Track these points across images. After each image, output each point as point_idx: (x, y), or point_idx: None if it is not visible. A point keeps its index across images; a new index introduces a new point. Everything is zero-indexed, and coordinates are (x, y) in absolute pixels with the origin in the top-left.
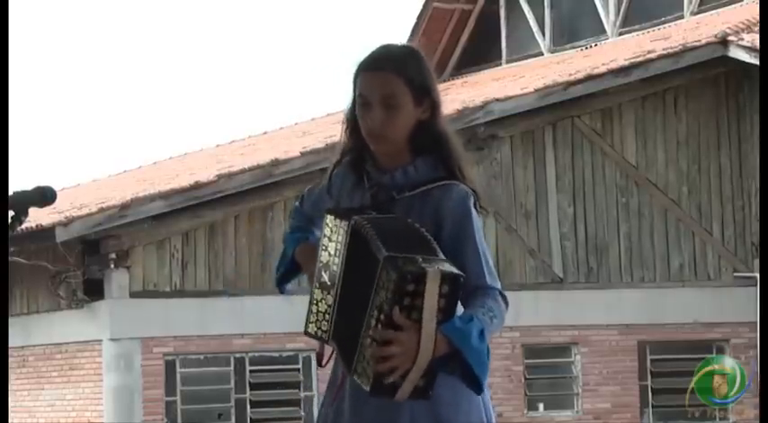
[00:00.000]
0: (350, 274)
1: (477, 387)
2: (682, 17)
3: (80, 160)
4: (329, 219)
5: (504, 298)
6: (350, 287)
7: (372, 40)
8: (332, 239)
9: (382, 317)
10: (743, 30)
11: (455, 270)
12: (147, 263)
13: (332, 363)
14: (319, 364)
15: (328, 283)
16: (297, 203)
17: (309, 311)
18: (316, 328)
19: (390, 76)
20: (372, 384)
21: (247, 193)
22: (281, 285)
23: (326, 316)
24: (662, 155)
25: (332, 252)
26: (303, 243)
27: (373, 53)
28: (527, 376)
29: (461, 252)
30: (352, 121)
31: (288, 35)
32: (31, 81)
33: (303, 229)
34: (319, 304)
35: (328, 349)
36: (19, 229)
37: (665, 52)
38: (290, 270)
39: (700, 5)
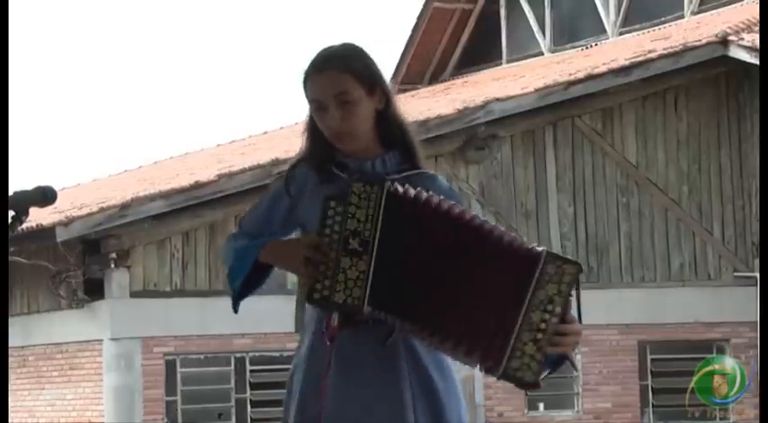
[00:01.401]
0: (390, 238)
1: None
2: (682, 17)
3: (80, 160)
4: (356, 186)
5: None
6: (392, 251)
7: (372, 40)
8: (360, 206)
9: (558, 309)
10: (743, 29)
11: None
12: (147, 262)
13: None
14: (331, 339)
15: (359, 249)
16: (233, 233)
17: (335, 281)
18: (345, 296)
19: (337, 74)
20: (536, 379)
21: (248, 192)
22: (238, 302)
23: (359, 282)
24: (662, 154)
25: (361, 218)
26: (271, 241)
27: (315, 57)
28: None
29: None
30: (313, 127)
31: (288, 35)
32: (31, 81)
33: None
34: (348, 272)
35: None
36: (19, 228)
37: (665, 52)
38: (251, 280)
39: (700, 5)
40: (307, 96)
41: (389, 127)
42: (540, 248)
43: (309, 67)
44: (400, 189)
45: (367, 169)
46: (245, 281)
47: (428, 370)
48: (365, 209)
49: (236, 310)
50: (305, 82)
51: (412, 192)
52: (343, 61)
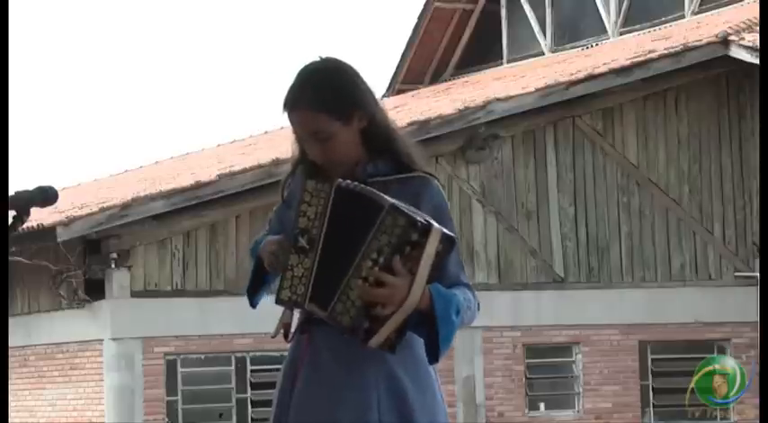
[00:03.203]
0: (334, 234)
1: (435, 358)
2: (683, 17)
3: (81, 160)
4: (310, 184)
5: (475, 295)
6: (333, 247)
7: (373, 40)
8: (311, 204)
9: (381, 260)
10: (744, 29)
11: (452, 233)
12: (148, 262)
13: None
14: (285, 337)
15: (306, 247)
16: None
17: (283, 278)
18: (290, 294)
19: (308, 113)
20: (352, 324)
21: (248, 192)
22: (252, 300)
23: (303, 279)
24: (663, 155)
25: (311, 216)
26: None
27: (289, 89)
28: (528, 376)
29: None
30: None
31: (289, 35)
32: (31, 81)
33: None
34: (295, 269)
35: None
36: (20, 228)
37: (666, 52)
38: (257, 278)
39: (700, 5)
40: None
41: (375, 141)
42: (391, 201)
43: (284, 101)
44: (351, 187)
45: (357, 175)
46: (254, 278)
47: (396, 372)
48: (315, 207)
49: (253, 305)
50: (283, 110)
51: (360, 189)
52: (313, 98)
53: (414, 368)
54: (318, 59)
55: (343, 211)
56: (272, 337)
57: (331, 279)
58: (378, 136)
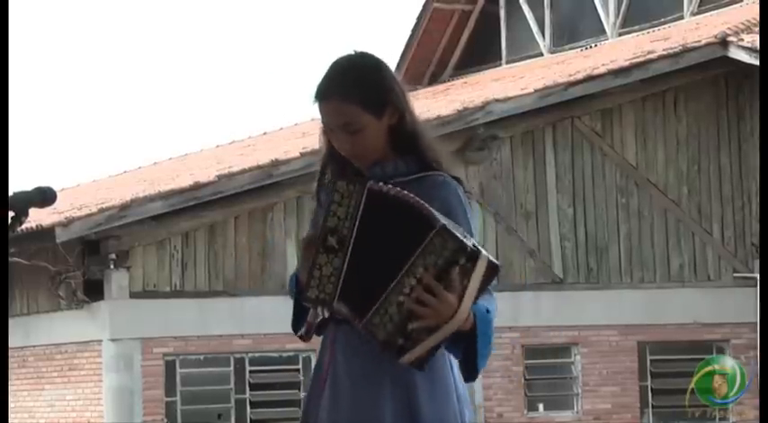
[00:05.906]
0: (366, 236)
1: (473, 376)
2: (681, 17)
3: (80, 160)
4: (340, 184)
5: (494, 296)
6: (366, 249)
7: (372, 40)
8: (342, 204)
9: (425, 278)
10: (743, 30)
11: (497, 262)
12: (146, 263)
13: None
14: (308, 333)
15: (336, 247)
16: None
17: (311, 277)
18: (317, 292)
19: (341, 105)
20: (386, 339)
21: (247, 193)
22: (298, 329)
23: (332, 279)
24: (662, 155)
25: (342, 216)
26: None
27: (322, 79)
28: (527, 377)
29: None
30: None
31: (288, 35)
32: (31, 81)
33: None
34: (323, 268)
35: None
36: (19, 229)
37: (664, 53)
38: (299, 309)
39: (699, 6)
40: None
41: (402, 139)
42: (442, 222)
43: (316, 91)
44: (383, 189)
45: (376, 172)
46: (295, 309)
47: (412, 378)
48: (346, 207)
49: (302, 337)
50: (314, 101)
51: (393, 192)
52: (346, 90)
53: (430, 368)
54: (353, 53)
55: (376, 214)
56: (295, 333)
57: (368, 288)
58: (404, 134)
